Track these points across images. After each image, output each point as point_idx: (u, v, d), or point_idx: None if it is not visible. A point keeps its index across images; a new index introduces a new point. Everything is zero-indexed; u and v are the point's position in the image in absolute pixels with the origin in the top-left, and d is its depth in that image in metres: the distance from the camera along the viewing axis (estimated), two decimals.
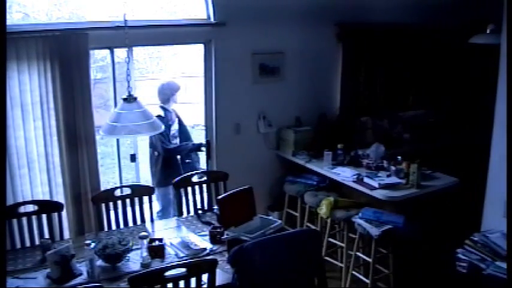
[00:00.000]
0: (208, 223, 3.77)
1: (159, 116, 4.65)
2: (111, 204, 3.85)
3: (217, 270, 2.87)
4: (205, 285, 2.85)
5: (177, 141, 4.97)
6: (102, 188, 4.25)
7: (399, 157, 4.53)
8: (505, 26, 3.36)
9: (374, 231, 3.88)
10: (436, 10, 5.57)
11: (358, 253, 4.19)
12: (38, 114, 3.95)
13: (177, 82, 5.10)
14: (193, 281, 2.79)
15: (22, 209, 3.64)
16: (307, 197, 4.62)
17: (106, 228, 3.81)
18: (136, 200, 3.94)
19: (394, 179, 4.28)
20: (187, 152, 4.96)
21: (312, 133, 5.16)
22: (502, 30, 3.42)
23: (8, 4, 3.65)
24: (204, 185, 4.27)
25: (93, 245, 3.12)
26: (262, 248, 2.85)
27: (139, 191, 3.98)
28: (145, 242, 3.29)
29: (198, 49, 4.89)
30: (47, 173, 4.06)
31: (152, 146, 4.93)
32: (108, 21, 4.15)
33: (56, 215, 3.73)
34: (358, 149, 4.85)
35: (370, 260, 4.04)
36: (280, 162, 5.25)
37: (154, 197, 4.36)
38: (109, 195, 3.88)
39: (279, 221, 3.59)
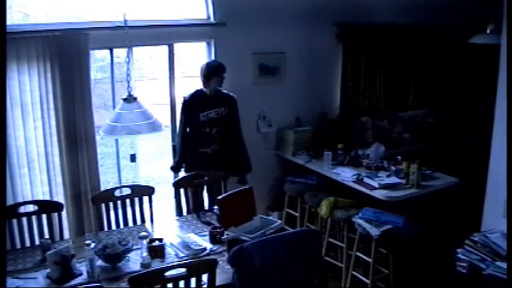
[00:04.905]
0: (208, 223, 3.77)
1: None
2: (111, 204, 3.85)
3: (217, 270, 2.86)
4: (205, 285, 2.85)
5: None
6: (102, 188, 4.25)
7: (399, 157, 4.53)
8: (505, 26, 3.36)
9: (374, 231, 3.87)
10: (435, 10, 5.56)
11: (358, 253, 4.19)
12: (38, 114, 3.95)
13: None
14: (193, 281, 2.79)
15: (22, 209, 3.64)
16: (307, 197, 4.62)
17: (106, 228, 3.80)
18: (136, 200, 3.94)
19: (394, 179, 4.28)
20: None
21: (312, 133, 5.16)
22: (502, 30, 3.42)
23: (8, 4, 3.65)
24: (204, 185, 4.26)
25: (93, 245, 3.12)
26: (262, 248, 2.84)
27: (139, 191, 3.97)
28: (145, 242, 3.29)
29: (199, 49, 4.88)
30: (47, 173, 4.06)
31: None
32: (108, 21, 4.15)
33: (56, 215, 3.72)
34: (358, 149, 4.86)
35: (370, 260, 4.04)
36: (280, 162, 5.25)
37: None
38: (109, 195, 3.88)
39: (279, 221, 3.59)
